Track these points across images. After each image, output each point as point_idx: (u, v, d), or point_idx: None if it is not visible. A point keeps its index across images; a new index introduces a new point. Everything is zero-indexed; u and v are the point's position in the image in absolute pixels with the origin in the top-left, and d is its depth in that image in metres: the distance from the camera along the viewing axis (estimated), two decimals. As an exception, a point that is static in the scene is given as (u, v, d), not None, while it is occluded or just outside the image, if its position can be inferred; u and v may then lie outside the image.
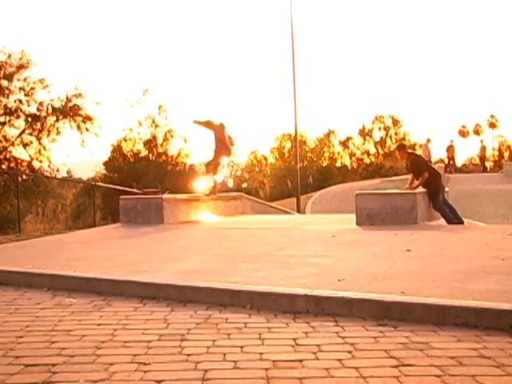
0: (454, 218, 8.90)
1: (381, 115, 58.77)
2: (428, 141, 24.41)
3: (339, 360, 2.73)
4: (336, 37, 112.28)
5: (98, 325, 3.54)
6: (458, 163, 31.66)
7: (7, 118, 22.28)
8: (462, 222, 9.00)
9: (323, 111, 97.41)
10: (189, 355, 2.86)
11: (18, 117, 22.47)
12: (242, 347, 2.98)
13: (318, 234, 7.66)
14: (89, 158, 26.25)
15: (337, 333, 3.22)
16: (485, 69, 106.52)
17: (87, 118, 22.99)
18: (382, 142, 57.90)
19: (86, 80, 62.74)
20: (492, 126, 56.84)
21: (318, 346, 2.97)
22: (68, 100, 22.91)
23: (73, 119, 22.90)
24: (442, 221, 8.93)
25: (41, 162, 23.18)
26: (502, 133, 54.93)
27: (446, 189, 10.00)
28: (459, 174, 26.61)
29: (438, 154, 34.77)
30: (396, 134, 58.32)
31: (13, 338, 3.27)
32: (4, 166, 21.66)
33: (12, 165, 21.97)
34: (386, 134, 58.41)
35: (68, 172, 36.40)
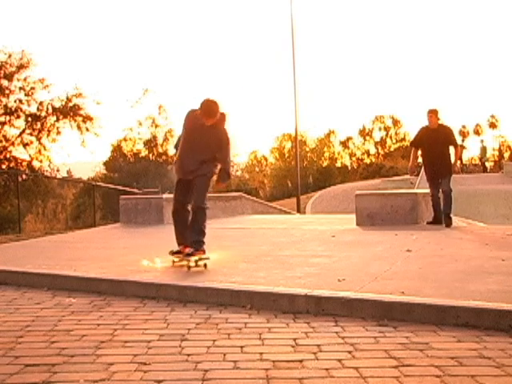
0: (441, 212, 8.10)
1: (381, 115, 58.79)
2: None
3: (339, 360, 2.73)
4: (336, 36, 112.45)
5: (98, 325, 3.54)
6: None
7: (7, 117, 22.28)
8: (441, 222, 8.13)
9: (323, 111, 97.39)
10: (189, 355, 2.86)
11: (18, 117, 22.47)
12: (242, 347, 2.98)
13: (318, 234, 7.66)
14: (89, 158, 26.30)
15: (337, 333, 3.22)
16: (485, 69, 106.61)
17: (87, 118, 22.99)
18: (382, 142, 57.93)
19: (86, 80, 62.78)
20: (492, 126, 56.83)
21: (318, 346, 2.97)
22: (68, 100, 22.90)
23: (73, 119, 22.90)
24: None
25: (41, 161, 23.19)
26: (503, 133, 54.97)
27: None
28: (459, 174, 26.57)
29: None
30: (396, 134, 58.33)
31: (13, 337, 3.26)
32: (4, 166, 21.66)
33: (12, 165, 21.97)
34: (386, 134, 58.43)
35: (68, 172, 36.40)
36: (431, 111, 8.19)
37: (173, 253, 5.35)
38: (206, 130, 5.18)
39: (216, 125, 5.20)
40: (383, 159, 50.50)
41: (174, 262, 5.30)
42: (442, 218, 8.09)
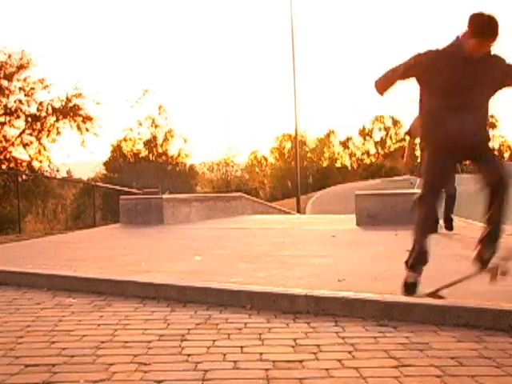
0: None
1: (381, 115, 58.78)
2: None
3: (339, 360, 2.73)
4: (336, 37, 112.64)
5: (98, 325, 3.54)
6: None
7: (7, 118, 22.31)
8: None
9: (323, 111, 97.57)
10: (189, 355, 2.86)
11: (18, 117, 22.51)
12: (242, 347, 2.97)
13: (318, 234, 7.67)
14: (89, 158, 26.31)
15: (337, 333, 3.22)
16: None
17: (87, 118, 23.03)
18: (382, 142, 57.92)
19: (86, 80, 62.79)
20: (492, 126, 56.87)
21: (318, 346, 2.97)
22: (68, 100, 22.95)
23: (73, 119, 22.93)
24: (442, 222, 8.89)
25: (41, 162, 23.23)
26: (503, 133, 55.10)
27: None
28: (459, 173, 26.53)
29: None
30: (396, 134, 58.33)
31: (13, 338, 3.26)
32: (4, 166, 21.68)
33: (12, 165, 21.99)
34: (386, 134, 58.45)
35: (68, 172, 36.40)
36: None
37: (410, 290, 3.60)
38: (474, 69, 3.28)
39: (486, 54, 3.32)
40: (383, 159, 50.48)
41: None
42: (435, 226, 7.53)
